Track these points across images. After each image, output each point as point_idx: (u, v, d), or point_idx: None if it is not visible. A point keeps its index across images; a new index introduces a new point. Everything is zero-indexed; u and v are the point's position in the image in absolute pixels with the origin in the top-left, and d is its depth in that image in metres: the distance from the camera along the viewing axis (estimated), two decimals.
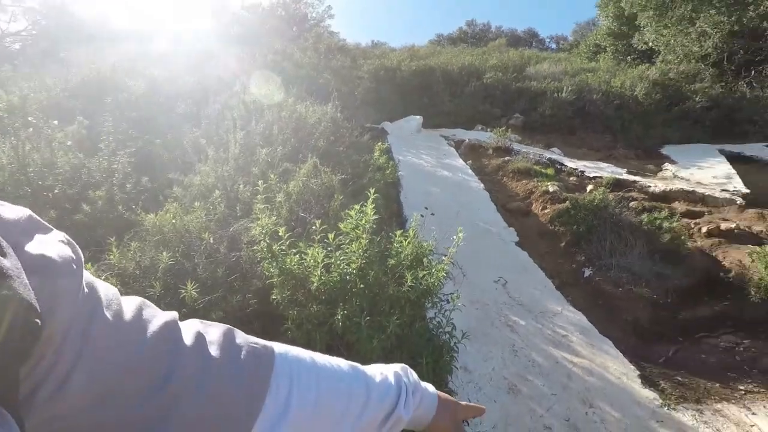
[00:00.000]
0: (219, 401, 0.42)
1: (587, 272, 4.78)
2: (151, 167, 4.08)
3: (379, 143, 7.27)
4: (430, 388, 0.67)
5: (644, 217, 4.87)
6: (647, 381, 3.00)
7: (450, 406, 0.68)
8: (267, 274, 2.08)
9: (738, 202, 6.03)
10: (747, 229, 5.22)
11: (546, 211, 6.42)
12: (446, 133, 9.89)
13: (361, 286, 1.93)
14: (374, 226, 2.10)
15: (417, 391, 0.63)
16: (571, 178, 7.43)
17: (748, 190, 6.43)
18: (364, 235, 2.03)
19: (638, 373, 3.06)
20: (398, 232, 2.27)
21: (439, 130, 10.19)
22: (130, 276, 2.12)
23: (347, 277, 1.96)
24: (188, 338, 0.45)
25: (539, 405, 2.77)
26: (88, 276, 0.41)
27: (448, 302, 2.14)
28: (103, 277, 2.17)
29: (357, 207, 2.12)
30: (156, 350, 0.42)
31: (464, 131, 10.05)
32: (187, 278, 1.95)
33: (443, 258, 2.29)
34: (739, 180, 6.85)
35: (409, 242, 2.19)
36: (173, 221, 2.44)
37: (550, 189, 6.90)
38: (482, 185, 6.88)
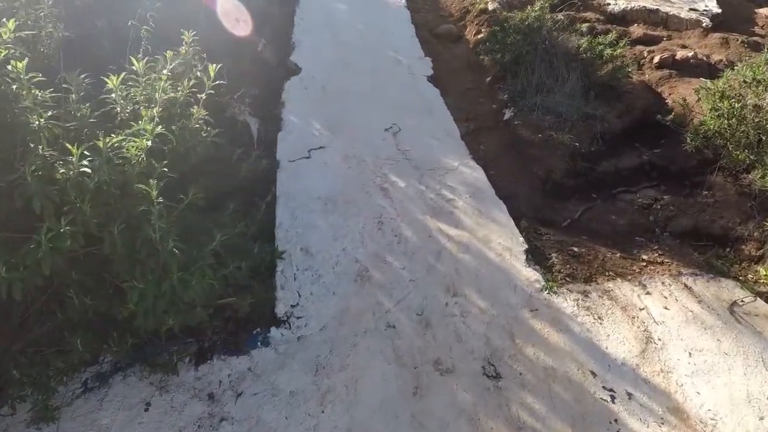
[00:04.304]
0: None
1: (508, 114, 3.92)
2: None
3: None
4: None
5: (583, 41, 3.80)
6: (534, 256, 2.42)
7: None
8: None
9: (704, 24, 4.98)
10: (705, 59, 4.31)
11: (480, 36, 5.21)
12: None
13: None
14: None
15: None
16: None
17: (720, 10, 5.31)
18: None
19: (525, 247, 2.45)
20: None
21: None
22: None
23: None
24: None
25: (389, 296, 2.16)
26: None
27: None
28: None
29: None
30: None
31: None
32: None
33: None
34: None
35: None
36: None
37: (489, 7, 5.53)
38: (404, 1, 5.41)
